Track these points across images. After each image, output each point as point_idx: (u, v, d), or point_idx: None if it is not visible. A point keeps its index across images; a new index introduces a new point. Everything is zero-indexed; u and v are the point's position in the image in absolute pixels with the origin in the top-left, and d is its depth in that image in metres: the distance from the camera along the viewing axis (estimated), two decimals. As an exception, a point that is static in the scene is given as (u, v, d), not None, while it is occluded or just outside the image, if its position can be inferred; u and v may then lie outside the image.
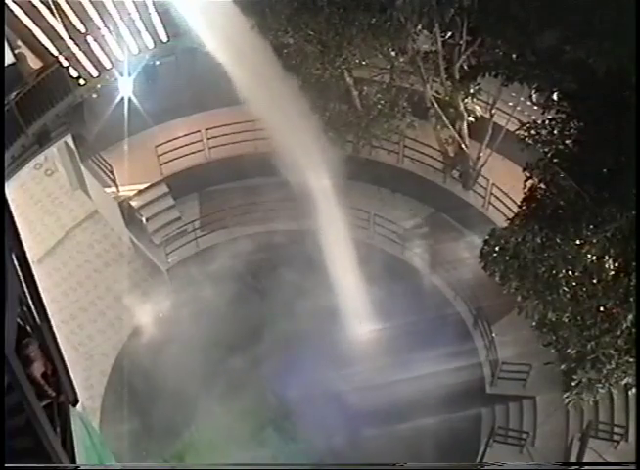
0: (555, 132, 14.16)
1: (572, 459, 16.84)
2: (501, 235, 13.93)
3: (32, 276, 7.49)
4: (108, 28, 18.44)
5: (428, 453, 18.53)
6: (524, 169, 14.28)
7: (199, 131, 21.52)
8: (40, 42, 18.04)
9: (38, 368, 7.74)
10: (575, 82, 13.76)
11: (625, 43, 11.45)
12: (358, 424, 19.58)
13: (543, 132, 14.29)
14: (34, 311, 7.74)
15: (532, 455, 17.61)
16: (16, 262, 7.04)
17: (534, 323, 14.64)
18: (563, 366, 14.82)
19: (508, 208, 18.86)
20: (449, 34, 17.27)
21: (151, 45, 19.20)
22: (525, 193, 14.33)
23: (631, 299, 12.74)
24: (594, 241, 12.61)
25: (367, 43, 17.09)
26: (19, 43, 18.00)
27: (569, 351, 14.20)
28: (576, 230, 12.63)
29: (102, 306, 21.45)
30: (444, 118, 19.11)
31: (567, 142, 13.95)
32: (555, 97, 14.90)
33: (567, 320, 13.86)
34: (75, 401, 8.56)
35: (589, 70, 12.46)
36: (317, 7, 16.08)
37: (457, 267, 20.26)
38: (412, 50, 17.78)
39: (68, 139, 20.00)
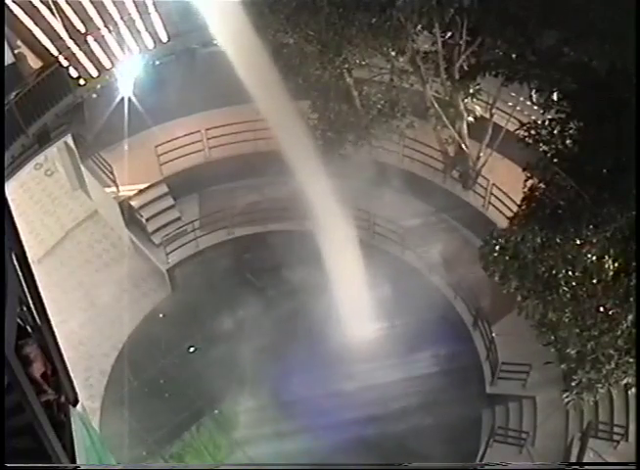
0: (555, 132, 14.16)
1: (572, 459, 16.83)
2: (501, 235, 13.94)
3: (32, 276, 7.46)
4: (108, 28, 18.44)
5: (427, 453, 18.50)
6: (524, 169, 14.29)
7: (199, 131, 21.51)
8: (40, 42, 18.04)
9: (38, 368, 7.72)
10: (575, 82, 13.76)
11: (626, 43, 11.46)
12: (357, 423, 19.54)
13: (543, 132, 14.28)
14: (34, 311, 7.72)
15: (532, 455, 17.60)
16: (16, 262, 7.03)
17: (534, 323, 14.65)
18: (563, 366, 14.84)
19: (508, 208, 18.85)
20: (449, 34, 17.27)
21: (151, 45, 19.21)
22: (524, 193, 14.33)
23: (631, 299, 12.75)
24: (594, 241, 12.61)
25: (367, 43, 17.06)
26: (19, 43, 18.01)
27: (568, 351, 14.22)
28: (576, 230, 12.63)
29: (102, 306, 21.42)
30: (444, 118, 19.10)
31: (567, 142, 13.95)
32: (555, 97, 14.90)
33: (567, 320, 13.87)
34: (75, 401, 8.54)
35: (589, 69, 12.47)
36: (317, 7, 16.06)
37: (457, 267, 20.26)
38: (412, 50, 17.77)
39: (68, 139, 20.01)
